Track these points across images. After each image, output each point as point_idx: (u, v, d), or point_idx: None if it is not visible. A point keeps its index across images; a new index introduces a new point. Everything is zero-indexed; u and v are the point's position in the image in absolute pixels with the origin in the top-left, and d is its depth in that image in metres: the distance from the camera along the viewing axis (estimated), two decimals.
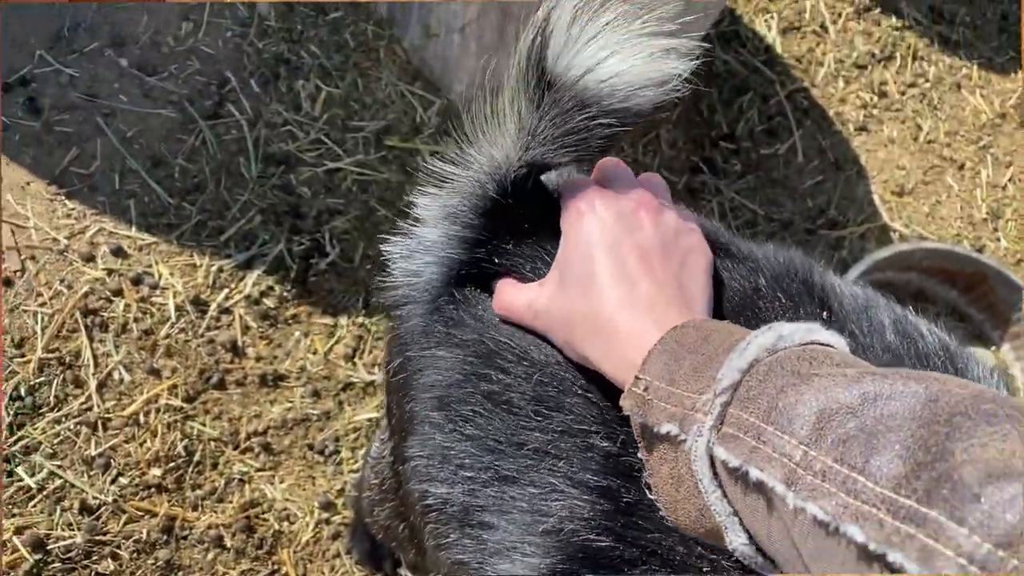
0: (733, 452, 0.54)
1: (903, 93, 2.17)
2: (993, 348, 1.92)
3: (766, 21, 2.12)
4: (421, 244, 0.79)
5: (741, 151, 1.98)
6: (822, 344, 0.58)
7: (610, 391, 0.70)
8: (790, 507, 0.49)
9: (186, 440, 1.43)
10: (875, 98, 2.13)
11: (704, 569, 0.66)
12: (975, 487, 0.42)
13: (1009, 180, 2.13)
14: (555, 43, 0.71)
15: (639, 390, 0.62)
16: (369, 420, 1.52)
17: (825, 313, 0.76)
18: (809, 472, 0.49)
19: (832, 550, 0.47)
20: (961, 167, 2.12)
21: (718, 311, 0.75)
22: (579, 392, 0.71)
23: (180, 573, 1.36)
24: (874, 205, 2.04)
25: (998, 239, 2.07)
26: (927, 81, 2.19)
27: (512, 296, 0.74)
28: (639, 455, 0.65)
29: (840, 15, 2.19)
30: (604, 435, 0.69)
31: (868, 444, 0.47)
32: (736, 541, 0.58)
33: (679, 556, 0.66)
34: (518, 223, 0.78)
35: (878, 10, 2.23)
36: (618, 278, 0.68)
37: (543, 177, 0.79)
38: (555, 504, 0.69)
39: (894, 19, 2.23)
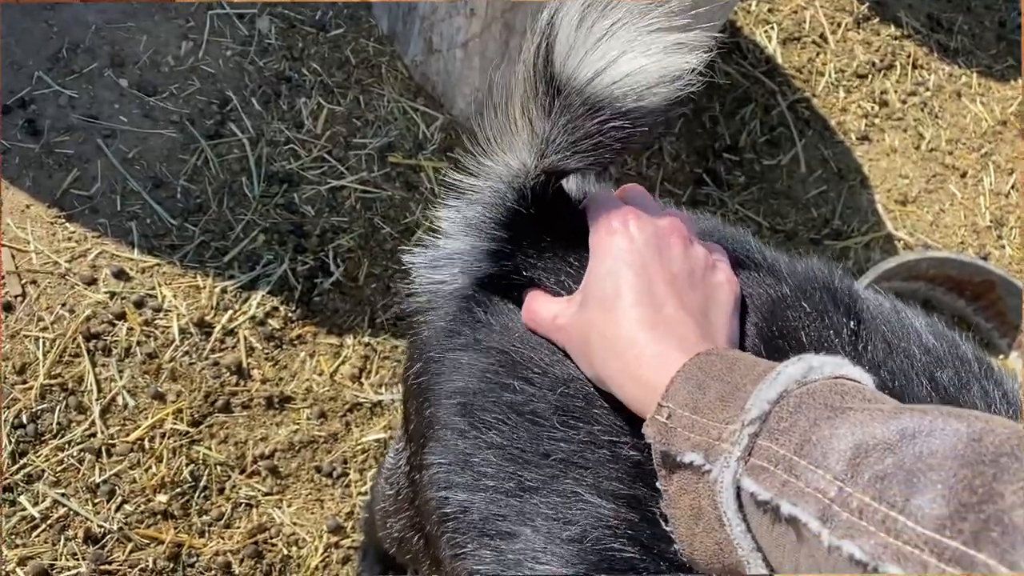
0: (763, 485, 0.52)
1: (904, 102, 2.16)
2: (1001, 356, 1.91)
3: (766, 32, 2.12)
4: (447, 255, 0.78)
5: (744, 162, 1.97)
6: (851, 379, 0.57)
7: None
8: (824, 544, 0.48)
9: (192, 465, 1.40)
10: (876, 107, 2.13)
11: None
12: None
13: (1012, 187, 2.13)
14: (561, 47, 0.69)
15: (662, 417, 0.60)
16: (377, 441, 1.50)
17: (853, 322, 0.74)
18: (845, 509, 0.47)
19: None
20: (964, 175, 2.12)
21: (743, 332, 0.74)
22: (605, 404, 0.70)
23: None
24: (878, 214, 2.03)
25: (1002, 246, 2.06)
26: (927, 90, 2.19)
27: (539, 307, 0.73)
28: (658, 484, 0.63)
29: (840, 25, 2.19)
30: (632, 445, 0.67)
31: (908, 482, 0.46)
32: None
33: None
34: (541, 233, 0.77)
35: (877, 19, 2.23)
36: (644, 299, 0.67)
37: (565, 184, 0.78)
38: (580, 512, 0.67)
39: (893, 28, 2.23)
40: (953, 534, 0.42)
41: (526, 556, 0.70)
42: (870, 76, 2.16)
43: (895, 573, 0.44)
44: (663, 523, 0.64)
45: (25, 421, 1.35)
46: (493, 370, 0.74)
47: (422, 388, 0.80)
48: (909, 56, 2.21)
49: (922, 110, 2.16)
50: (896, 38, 2.22)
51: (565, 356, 0.72)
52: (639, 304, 0.66)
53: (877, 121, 2.12)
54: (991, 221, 2.07)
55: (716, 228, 0.82)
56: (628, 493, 0.66)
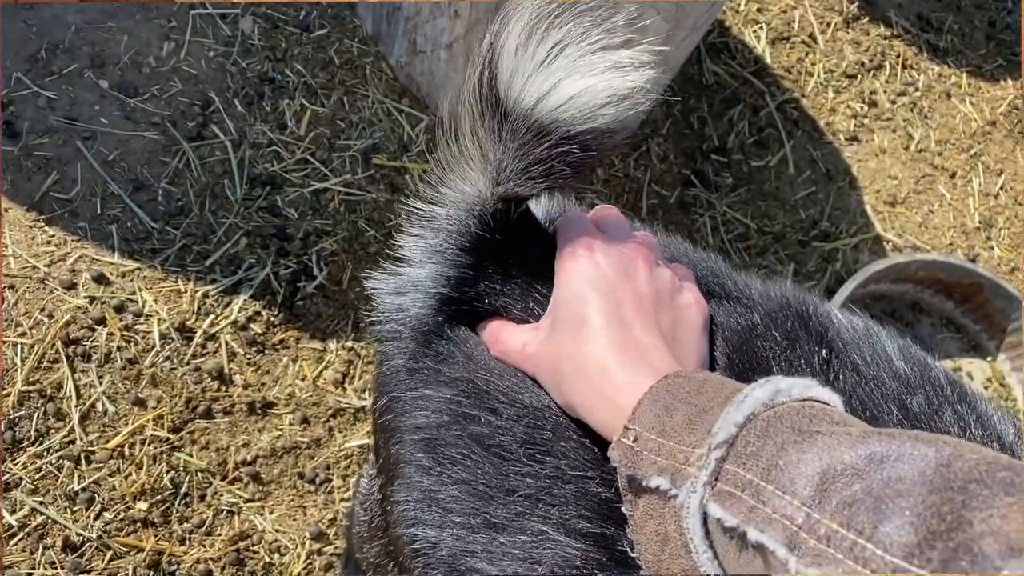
0: (730, 511, 0.51)
1: (893, 102, 2.15)
2: (989, 359, 1.91)
3: (755, 32, 2.10)
4: (409, 281, 0.77)
5: (732, 163, 1.96)
6: (819, 401, 0.56)
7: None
8: (792, 572, 0.47)
9: (172, 472, 1.39)
10: (865, 107, 2.12)
11: None
12: (996, 560, 0.40)
13: (1001, 188, 2.12)
14: (503, 73, 0.68)
15: (628, 441, 0.59)
16: (360, 447, 1.49)
17: (824, 351, 0.73)
18: (813, 536, 0.46)
19: None
20: (953, 176, 2.11)
21: (712, 358, 0.73)
22: (574, 436, 0.68)
23: None
24: (867, 215, 2.02)
25: (991, 248, 2.05)
26: (917, 90, 2.18)
27: (507, 337, 0.72)
28: (623, 509, 0.62)
29: (829, 24, 2.18)
30: (600, 480, 0.66)
31: (876, 509, 0.45)
32: None
33: None
34: (506, 259, 0.75)
35: (866, 19, 2.22)
36: (612, 321, 0.66)
37: (534, 205, 0.77)
38: (547, 551, 0.66)
39: (883, 28, 2.22)
40: (922, 563, 0.42)
41: None
42: (859, 76, 2.15)
43: None
44: (629, 550, 0.63)
45: (3, 428, 1.33)
46: (457, 401, 0.72)
47: (386, 425, 0.79)
48: (899, 56, 2.20)
49: (911, 110, 2.16)
50: (885, 38, 2.21)
51: (534, 384, 0.71)
52: (607, 327, 0.65)
53: (866, 121, 2.11)
54: (980, 222, 2.07)
55: (686, 253, 0.81)
56: (595, 531, 0.65)
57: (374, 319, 0.79)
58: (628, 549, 0.63)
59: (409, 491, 0.73)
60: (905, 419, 0.68)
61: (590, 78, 0.66)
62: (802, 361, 0.71)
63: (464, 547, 0.70)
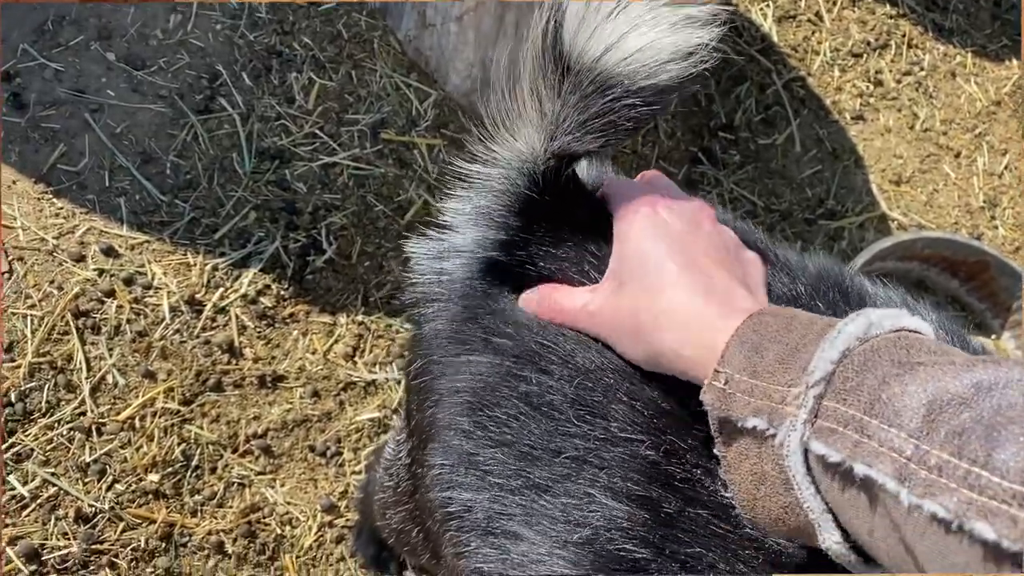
0: (834, 447, 0.51)
1: (899, 81, 2.15)
2: (994, 337, 1.92)
3: (761, 10, 2.10)
4: (451, 247, 0.76)
5: (739, 141, 1.96)
6: (911, 331, 0.55)
7: (657, 397, 0.67)
8: (903, 504, 0.47)
9: (184, 444, 1.39)
10: (871, 87, 2.12)
11: None
12: None
13: (1005, 168, 2.13)
14: (570, 23, 0.67)
15: (719, 383, 0.59)
16: (371, 420, 1.49)
17: None
18: (923, 467, 0.46)
19: (954, 549, 0.44)
20: (957, 155, 2.11)
21: None
22: (624, 398, 0.68)
23: None
24: (872, 194, 2.02)
25: (996, 227, 2.06)
26: (922, 69, 2.18)
27: (563, 298, 0.71)
28: (715, 450, 0.61)
29: (835, 3, 2.17)
30: (649, 444, 0.66)
31: (988, 436, 0.44)
32: (829, 539, 0.55)
33: (721, 573, 0.64)
34: (557, 221, 0.75)
35: None
36: (688, 270, 0.65)
37: (579, 171, 0.76)
38: (592, 514, 0.66)
39: (888, 7, 2.22)
40: None
41: (529, 559, 0.68)
42: (865, 55, 2.15)
43: (982, 529, 0.42)
44: (723, 489, 0.62)
45: (13, 400, 1.33)
46: (506, 364, 0.72)
47: (422, 387, 0.78)
48: (904, 35, 2.20)
49: (917, 90, 2.16)
50: (891, 17, 2.21)
51: (587, 345, 0.70)
52: (686, 276, 0.65)
53: (872, 100, 2.11)
54: (984, 201, 2.07)
55: (727, 222, 0.81)
56: (642, 494, 0.65)
57: (411, 281, 0.78)
58: (721, 488, 0.62)
59: (447, 454, 0.72)
60: None
61: (656, 32, 0.66)
62: None
63: (502, 509, 0.69)
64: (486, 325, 0.73)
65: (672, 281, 0.64)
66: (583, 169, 0.79)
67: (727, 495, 0.65)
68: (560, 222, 0.75)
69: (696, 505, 0.65)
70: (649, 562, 0.64)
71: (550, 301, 0.72)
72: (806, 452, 0.54)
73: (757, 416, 0.56)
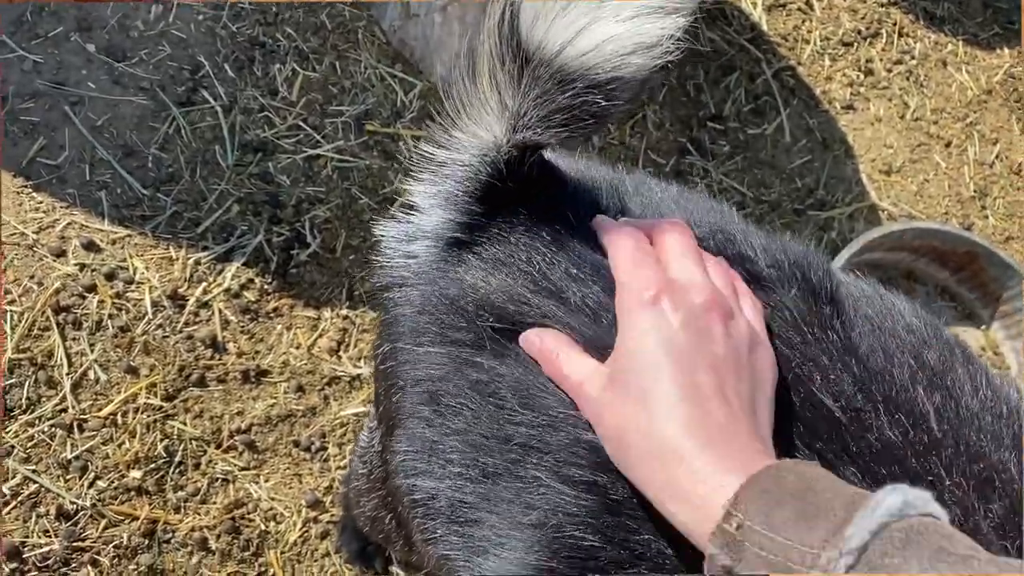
0: None
1: (889, 70, 2.14)
2: (983, 328, 1.91)
3: None
4: (418, 229, 0.75)
5: (728, 131, 1.95)
6: (934, 517, 0.53)
7: None
8: None
9: (166, 440, 1.38)
10: (861, 76, 2.11)
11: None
12: None
13: (996, 157, 2.11)
14: (525, 16, 0.65)
15: (731, 527, 0.54)
16: (356, 415, 1.48)
17: (828, 307, 0.72)
18: None
19: None
20: (948, 144, 2.10)
21: None
22: None
23: None
24: (862, 184, 2.01)
25: (986, 216, 2.05)
26: (913, 58, 2.17)
27: (565, 362, 0.66)
28: None
29: None
30: (587, 425, 0.65)
31: None
32: None
33: (669, 561, 0.63)
34: (518, 207, 0.74)
35: None
36: (687, 396, 0.60)
37: (547, 153, 0.75)
38: (540, 497, 0.66)
39: None
40: None
41: (491, 542, 0.68)
42: (856, 44, 2.13)
43: None
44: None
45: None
46: (462, 353, 0.71)
47: (389, 372, 0.78)
48: (895, 24, 2.18)
49: (907, 79, 2.14)
50: (882, 5, 2.19)
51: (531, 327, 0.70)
52: (683, 403, 0.59)
53: (862, 90, 2.10)
54: (975, 191, 2.06)
55: (721, 227, 0.78)
56: (588, 479, 0.64)
57: (380, 263, 0.77)
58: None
59: (410, 442, 0.72)
60: (921, 371, 0.68)
61: (618, 24, 0.63)
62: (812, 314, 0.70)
63: (463, 498, 0.70)
64: (444, 315, 0.73)
65: (667, 409, 0.59)
66: (553, 156, 0.78)
67: None
68: (519, 209, 0.73)
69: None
70: (598, 549, 0.64)
71: (549, 357, 0.67)
72: None
73: (772, 572, 0.52)
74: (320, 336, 1.51)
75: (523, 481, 0.67)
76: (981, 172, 2.09)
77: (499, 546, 0.68)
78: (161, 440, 1.37)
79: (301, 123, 1.61)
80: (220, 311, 1.46)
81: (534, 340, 0.69)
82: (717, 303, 0.64)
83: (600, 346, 0.67)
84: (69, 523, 1.29)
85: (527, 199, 0.74)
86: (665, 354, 0.61)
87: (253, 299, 1.49)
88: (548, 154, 0.77)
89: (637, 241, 0.68)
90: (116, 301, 1.42)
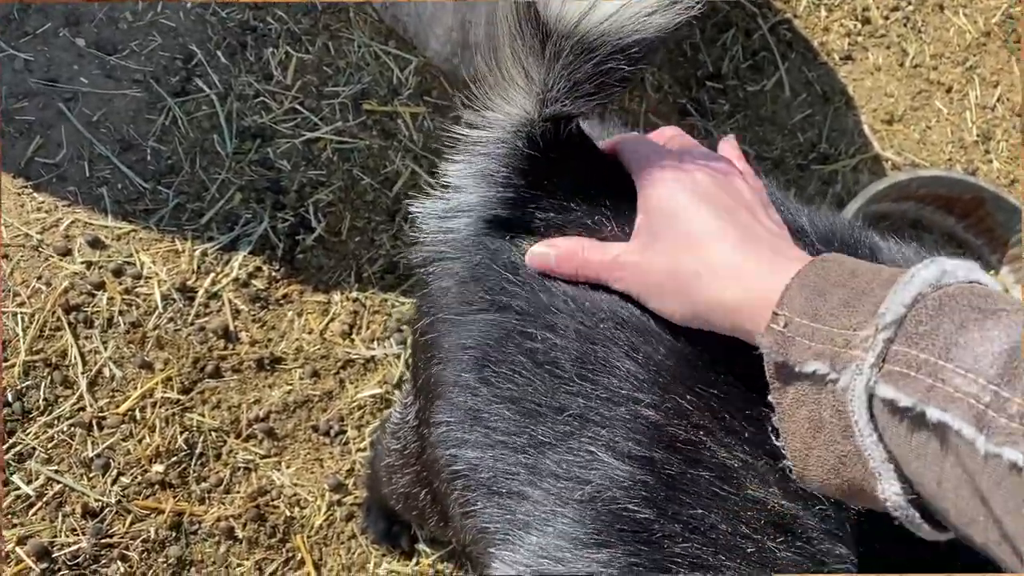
0: (904, 391, 0.49)
1: (886, 18, 2.11)
2: (992, 272, 1.91)
3: None
4: (458, 206, 0.75)
5: (728, 90, 1.93)
6: (982, 284, 0.54)
7: (664, 356, 0.66)
8: (980, 452, 0.45)
9: (186, 433, 1.38)
10: (859, 25, 2.08)
11: (748, 550, 0.63)
12: None
13: (997, 100, 2.10)
14: None
15: (778, 326, 0.56)
16: (373, 397, 1.48)
17: None
18: (1003, 415, 0.45)
19: None
20: (949, 90, 2.08)
21: None
22: (629, 355, 0.67)
23: (192, 570, 1.32)
24: (864, 135, 2.00)
25: (990, 161, 2.04)
26: (910, 3, 2.14)
27: (592, 251, 0.69)
28: (769, 398, 0.60)
29: None
30: (650, 403, 0.65)
31: None
32: (889, 490, 0.53)
33: (722, 536, 0.63)
34: (563, 177, 0.73)
35: None
36: (728, 223, 0.63)
37: (584, 126, 0.75)
38: (594, 472, 0.65)
39: None
40: None
41: (534, 517, 0.68)
42: None
43: None
44: (773, 437, 0.61)
45: (10, 399, 1.32)
46: (511, 320, 0.71)
47: (429, 344, 0.78)
48: None
49: (905, 25, 2.12)
50: None
51: (594, 300, 0.69)
52: (728, 228, 0.63)
53: (860, 39, 2.07)
54: (978, 136, 2.05)
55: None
56: (644, 455, 0.64)
57: (417, 241, 0.77)
58: (772, 436, 0.61)
59: (453, 411, 0.72)
60: None
61: None
62: None
63: (506, 468, 0.69)
64: (492, 283, 0.72)
65: (713, 233, 0.62)
66: (586, 125, 0.78)
67: (728, 458, 0.64)
68: (566, 177, 0.73)
69: (698, 467, 0.64)
70: (652, 522, 0.64)
71: (572, 252, 0.69)
72: (871, 398, 0.52)
73: (818, 360, 0.54)
74: (331, 320, 1.51)
75: (575, 454, 0.66)
76: (983, 116, 2.07)
77: (543, 522, 0.68)
78: (181, 433, 1.37)
79: (298, 106, 1.60)
80: (230, 301, 1.46)
81: (544, 252, 0.70)
82: (731, 167, 0.70)
83: (662, 322, 0.68)
84: (95, 520, 1.30)
85: (570, 170, 0.73)
86: (699, 199, 0.65)
87: (262, 287, 1.48)
88: (584, 125, 0.77)
89: (644, 138, 0.73)
90: (126, 297, 1.41)
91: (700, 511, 0.64)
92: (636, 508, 0.64)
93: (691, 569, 0.63)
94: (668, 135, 0.75)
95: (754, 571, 0.63)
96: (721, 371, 0.66)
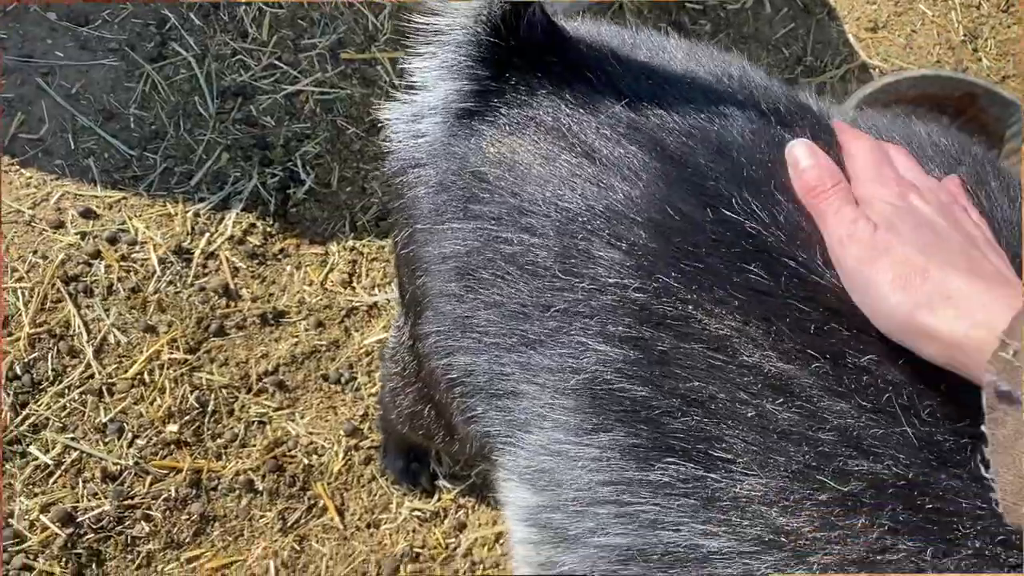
0: None
1: None
2: None
3: None
4: (424, 106, 0.73)
5: (708, 10, 1.91)
6: None
7: (646, 237, 0.65)
8: None
9: (196, 391, 1.38)
10: None
11: (749, 414, 0.62)
12: None
13: None
14: None
15: (1007, 355, 0.56)
16: (379, 342, 1.48)
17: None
18: None
19: None
20: None
21: None
22: (611, 243, 0.65)
23: (216, 524, 1.33)
24: (849, 45, 1.98)
25: (979, 59, 2.01)
26: None
27: (830, 206, 0.66)
28: (983, 428, 0.58)
29: None
30: (638, 286, 0.64)
31: None
32: None
33: (722, 404, 0.63)
34: (530, 68, 0.71)
35: None
36: (966, 250, 0.63)
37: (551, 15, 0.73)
38: (586, 360, 0.65)
39: None
40: None
41: (532, 414, 0.68)
42: None
43: None
44: (983, 470, 0.59)
45: (19, 372, 1.32)
46: (487, 227, 0.70)
47: (411, 256, 0.77)
48: None
49: None
50: None
51: (569, 193, 0.67)
52: (962, 254, 0.63)
53: None
54: (965, 35, 2.02)
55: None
56: (634, 336, 0.63)
57: (389, 149, 0.76)
58: (982, 467, 0.60)
59: (441, 321, 0.71)
60: None
61: None
62: None
63: (501, 369, 0.69)
64: (464, 189, 0.71)
65: (946, 261, 0.62)
66: (575, 24, 0.76)
67: (720, 328, 0.63)
68: (536, 72, 0.71)
69: (690, 340, 0.63)
70: (648, 399, 0.63)
71: (818, 193, 0.67)
72: None
73: None
74: (331, 270, 1.51)
75: (566, 347, 0.65)
76: (969, 15, 2.05)
77: (541, 416, 0.67)
78: (191, 392, 1.38)
79: (276, 61, 1.59)
80: (227, 259, 1.46)
81: (809, 162, 0.69)
82: (958, 202, 0.69)
83: (639, 207, 0.65)
84: (116, 483, 1.31)
85: (542, 64, 0.72)
86: (933, 218, 0.65)
87: (258, 243, 1.48)
88: (560, 21, 0.75)
89: (876, 150, 0.71)
90: (123, 264, 1.41)
91: (697, 383, 0.63)
92: (631, 387, 0.64)
93: (695, 443, 0.63)
94: (891, 152, 0.72)
95: (756, 436, 0.62)
96: (705, 246, 0.65)
